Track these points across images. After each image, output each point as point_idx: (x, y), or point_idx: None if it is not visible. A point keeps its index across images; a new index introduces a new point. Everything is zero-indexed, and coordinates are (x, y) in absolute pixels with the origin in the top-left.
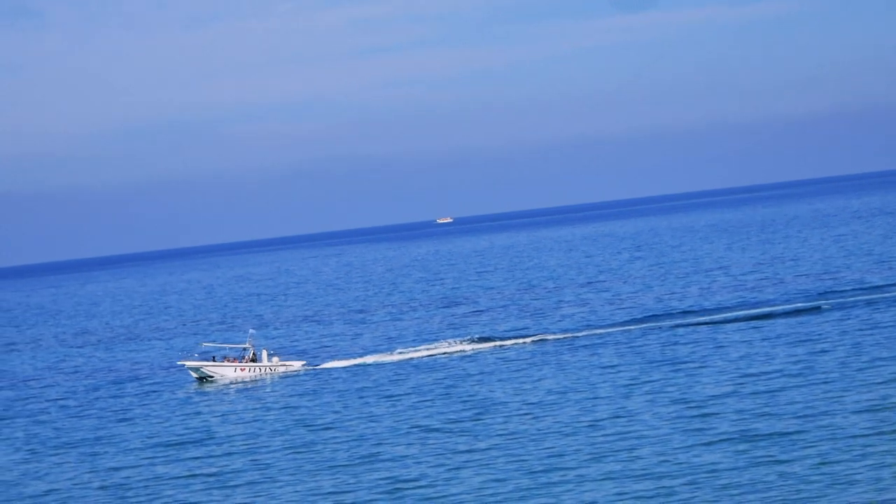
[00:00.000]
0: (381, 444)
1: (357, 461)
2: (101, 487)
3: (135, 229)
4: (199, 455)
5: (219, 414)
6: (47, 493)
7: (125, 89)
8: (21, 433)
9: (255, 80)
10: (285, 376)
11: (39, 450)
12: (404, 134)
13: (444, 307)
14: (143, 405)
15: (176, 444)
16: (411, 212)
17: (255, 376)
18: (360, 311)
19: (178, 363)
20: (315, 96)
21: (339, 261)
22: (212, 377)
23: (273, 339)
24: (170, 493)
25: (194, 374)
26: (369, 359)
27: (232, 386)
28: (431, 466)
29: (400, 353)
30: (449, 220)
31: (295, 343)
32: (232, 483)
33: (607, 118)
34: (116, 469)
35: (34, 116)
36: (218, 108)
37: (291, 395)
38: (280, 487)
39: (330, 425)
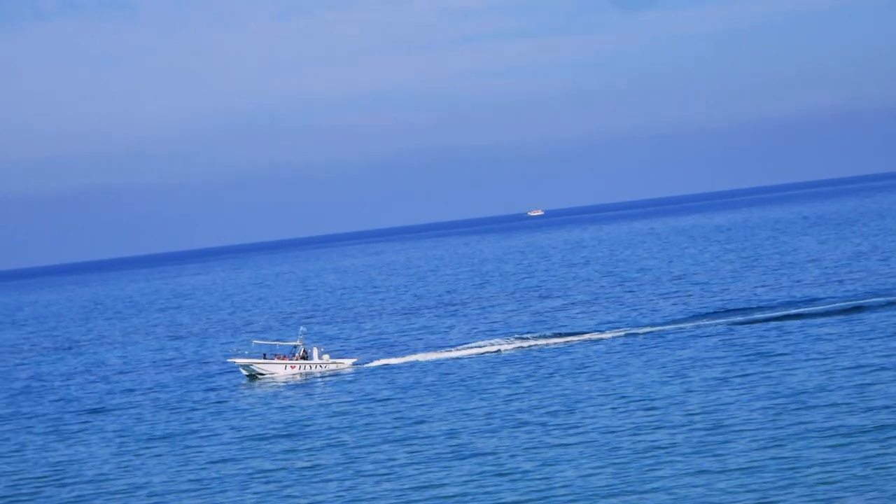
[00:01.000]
0: (473, 437)
1: (450, 455)
2: (194, 480)
3: (227, 223)
4: (287, 449)
5: (302, 408)
6: (139, 487)
7: (216, 82)
8: (108, 426)
9: (345, 72)
10: (358, 373)
11: (128, 442)
12: (495, 125)
13: (533, 300)
14: (211, 401)
15: (262, 438)
16: (503, 204)
17: (306, 374)
18: (450, 304)
19: (229, 360)
20: (405, 87)
21: (430, 253)
22: (262, 374)
23: (350, 331)
24: (261, 487)
25: (244, 372)
26: (436, 355)
27: (304, 382)
28: (525, 460)
29: (479, 346)
30: (540, 212)
31: (381, 336)
32: (324, 477)
33: (701, 109)
34: (209, 463)
35: (127, 110)
36: (308, 99)
37: (373, 391)
38: (373, 481)
39: (421, 419)
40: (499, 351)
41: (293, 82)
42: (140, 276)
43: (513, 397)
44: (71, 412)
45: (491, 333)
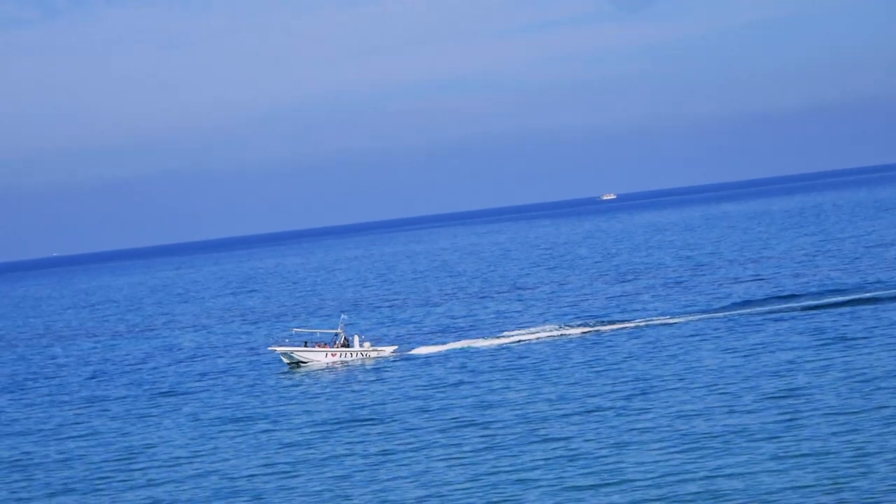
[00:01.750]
0: (545, 421)
1: (521, 439)
2: (266, 465)
3: (299, 207)
4: (358, 434)
5: (372, 393)
6: (212, 471)
7: (288, 67)
8: (180, 408)
9: (416, 57)
10: (429, 358)
11: (200, 426)
12: (568, 109)
13: (606, 284)
14: (282, 385)
15: (333, 423)
16: (575, 188)
17: (347, 361)
18: (523, 288)
19: (270, 349)
20: (478, 72)
21: (502, 237)
22: (304, 362)
23: (421, 316)
24: (334, 472)
25: (285, 360)
26: (504, 339)
27: (373, 367)
28: (597, 444)
29: (549, 330)
30: (613, 196)
31: (454, 319)
32: (396, 461)
33: (776, 92)
34: (281, 446)
35: (198, 95)
36: (381, 85)
37: (443, 376)
38: (445, 465)
39: (492, 403)
40: (562, 335)
41: (365, 68)
42: (210, 260)
43: (584, 381)
44: (144, 395)
45: (563, 317)
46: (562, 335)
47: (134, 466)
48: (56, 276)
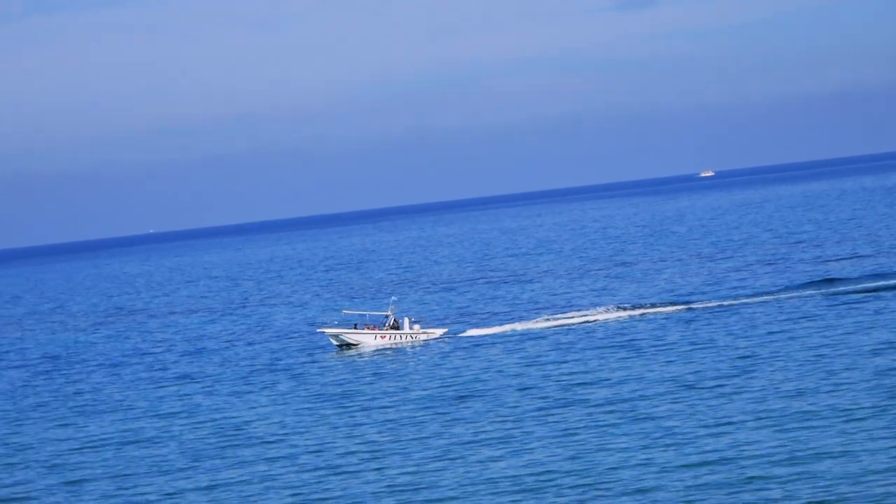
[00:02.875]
0: (640, 400)
1: (619, 418)
2: (365, 442)
3: (396, 184)
4: (451, 413)
5: (461, 372)
6: (308, 450)
7: (386, 45)
8: (278, 386)
9: (516, 34)
10: (524, 335)
11: (296, 403)
12: (666, 87)
13: (702, 262)
14: (376, 363)
15: (426, 401)
16: (673, 165)
17: (397, 344)
18: (621, 265)
19: (318, 330)
20: (577, 50)
21: (598, 214)
22: (354, 344)
23: (518, 292)
24: (430, 451)
25: (334, 342)
26: (596, 316)
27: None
28: (695, 424)
29: (645, 308)
30: (711, 173)
31: (553, 294)
32: (489, 438)
33: (877, 68)
34: (377, 425)
35: (295, 73)
36: (480, 63)
37: (536, 354)
38: (540, 445)
39: (587, 381)
40: (657, 312)
41: (465, 45)
42: (305, 236)
43: (681, 359)
44: (239, 372)
45: (659, 294)
46: (657, 312)
47: (231, 443)
48: (154, 253)
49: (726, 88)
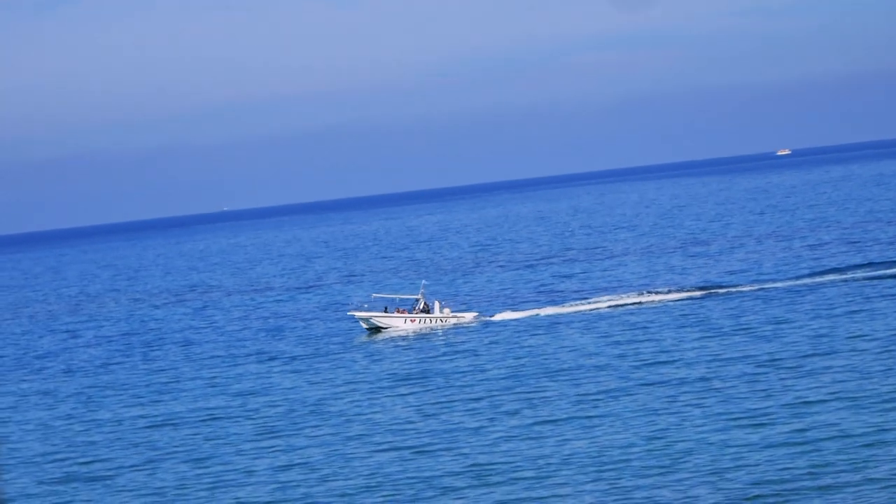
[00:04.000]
0: (716, 380)
1: (694, 397)
2: (431, 416)
3: (473, 161)
4: (520, 392)
5: (529, 352)
6: (380, 423)
7: (460, 21)
8: (353, 364)
9: (590, 12)
10: (609, 315)
11: (367, 381)
12: (744, 64)
13: (779, 241)
14: (450, 341)
15: (496, 381)
16: (750, 143)
17: (427, 327)
18: (696, 244)
19: (349, 314)
20: (655, 27)
21: (673, 192)
22: (384, 328)
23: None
24: (503, 431)
25: (365, 325)
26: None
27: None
28: (776, 405)
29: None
30: (787, 151)
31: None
32: (558, 418)
33: None
34: (450, 403)
35: (366, 51)
36: (559, 39)
37: (609, 333)
38: (616, 423)
39: (656, 361)
40: (727, 292)
41: (541, 22)
42: (376, 215)
43: (754, 339)
44: (312, 350)
45: (733, 274)
46: (731, 292)
47: (308, 422)
48: (227, 230)
49: (805, 65)
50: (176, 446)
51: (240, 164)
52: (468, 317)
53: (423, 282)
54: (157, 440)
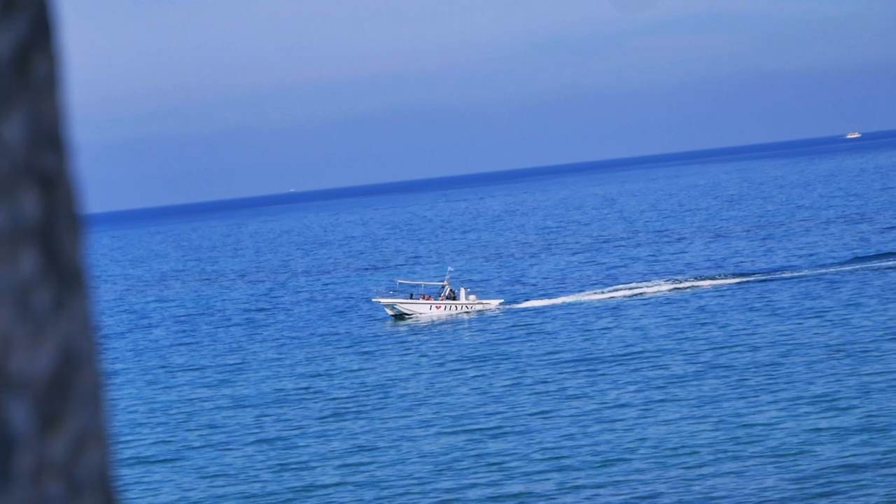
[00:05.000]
0: (782, 365)
1: (759, 382)
2: (497, 399)
3: (537, 144)
4: (585, 376)
5: (598, 334)
6: (446, 404)
7: (534, 4)
8: (425, 346)
9: None
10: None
11: (435, 360)
12: (812, 47)
13: (847, 225)
14: (519, 322)
15: (562, 363)
16: (819, 127)
17: (452, 314)
18: (761, 227)
19: (374, 300)
20: (725, 9)
21: (735, 177)
22: (408, 314)
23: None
24: (568, 412)
25: (389, 312)
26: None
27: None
28: (842, 389)
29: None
30: (857, 135)
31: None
32: (631, 404)
33: None
34: (515, 384)
35: (434, 31)
36: (626, 21)
37: (673, 315)
38: (680, 409)
39: (720, 346)
40: (792, 276)
41: (604, 5)
42: (451, 196)
43: (825, 323)
44: (381, 332)
45: (800, 259)
46: (793, 275)
47: (374, 406)
48: (295, 212)
49: (874, 48)
50: (243, 428)
51: (307, 145)
52: (493, 304)
53: (450, 268)
54: (225, 421)
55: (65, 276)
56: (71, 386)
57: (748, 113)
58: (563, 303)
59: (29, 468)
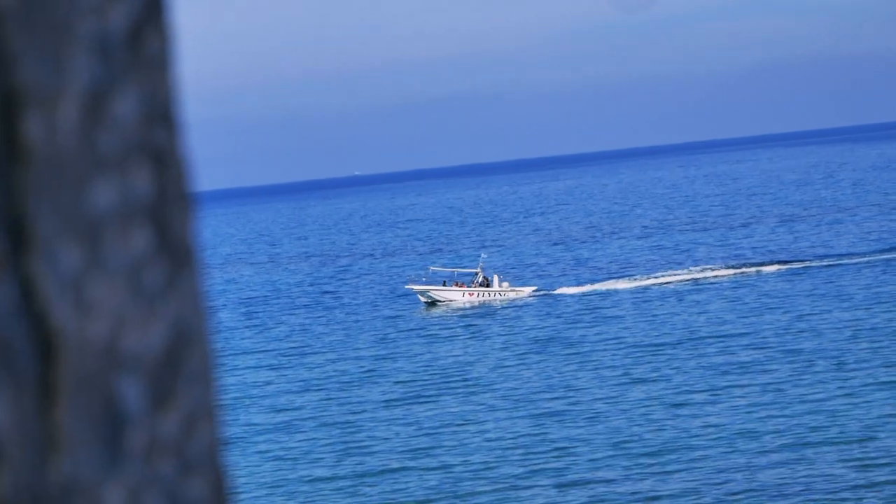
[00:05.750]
0: (848, 351)
1: (826, 369)
2: (568, 386)
3: (602, 128)
4: (655, 360)
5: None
6: (514, 388)
7: None
8: (491, 329)
9: None
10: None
11: (510, 345)
12: (883, 30)
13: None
14: (590, 306)
15: (632, 347)
16: (887, 112)
17: (485, 301)
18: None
19: (406, 287)
20: None
21: (805, 161)
22: (441, 301)
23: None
24: (636, 395)
25: (422, 299)
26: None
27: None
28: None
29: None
30: None
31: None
32: (697, 389)
33: None
34: (584, 369)
35: (508, 15)
36: (690, 4)
37: (739, 298)
38: (744, 396)
39: (784, 332)
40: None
41: None
42: (507, 181)
43: (889, 310)
44: (436, 314)
45: (869, 243)
46: (858, 262)
47: (441, 389)
48: (359, 195)
49: None
50: (307, 411)
51: (371, 128)
52: (526, 291)
53: (483, 255)
54: (288, 405)
55: (176, 253)
56: (182, 364)
57: (816, 97)
58: (628, 288)
59: (141, 446)
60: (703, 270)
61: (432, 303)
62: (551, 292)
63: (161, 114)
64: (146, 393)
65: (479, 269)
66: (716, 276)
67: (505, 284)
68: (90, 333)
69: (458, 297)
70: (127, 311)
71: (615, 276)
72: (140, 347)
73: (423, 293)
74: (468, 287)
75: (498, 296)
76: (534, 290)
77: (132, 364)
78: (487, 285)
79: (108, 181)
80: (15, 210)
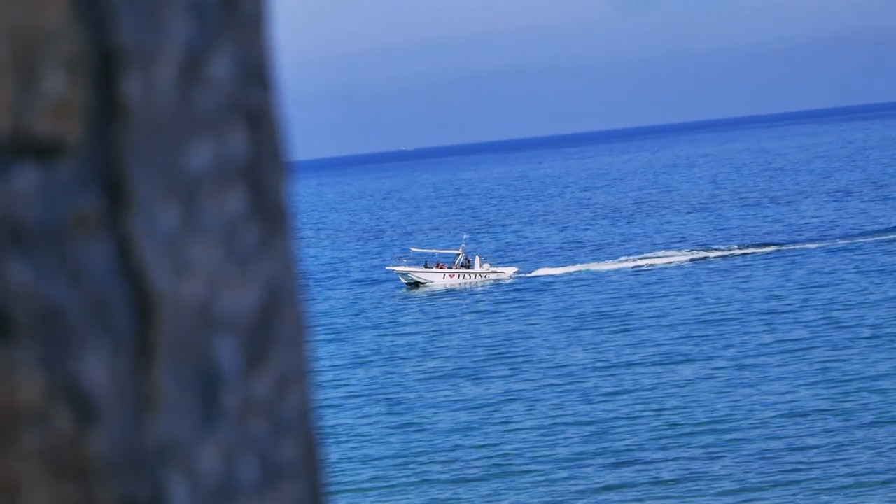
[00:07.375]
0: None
1: (872, 346)
2: (609, 366)
3: (647, 102)
4: (699, 338)
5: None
6: (564, 364)
7: None
8: (543, 306)
9: None
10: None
11: (562, 321)
12: None
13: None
14: (631, 286)
15: (671, 327)
16: None
17: (465, 283)
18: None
19: (388, 268)
20: None
21: (843, 137)
22: (421, 282)
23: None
24: (673, 376)
25: (404, 280)
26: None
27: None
28: None
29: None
30: None
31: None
32: (749, 365)
33: None
34: (622, 346)
35: None
36: None
37: (769, 280)
38: (791, 374)
39: (830, 309)
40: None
41: None
42: (560, 155)
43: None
44: (484, 289)
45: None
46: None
47: (483, 365)
48: (406, 169)
49: None
50: (354, 388)
51: (417, 104)
52: (507, 272)
53: (465, 235)
54: (336, 382)
55: (270, 214)
56: (275, 325)
57: (866, 72)
58: (673, 263)
59: (235, 406)
60: (759, 247)
61: (414, 284)
62: (528, 275)
63: (256, 74)
64: (240, 354)
65: (460, 251)
66: (765, 251)
67: (486, 266)
68: (186, 294)
69: (438, 278)
70: (222, 271)
71: (686, 246)
72: (234, 308)
73: (403, 275)
74: (449, 268)
75: (479, 277)
76: (515, 272)
77: (227, 325)
78: (468, 267)
79: (204, 141)
80: (113, 169)
